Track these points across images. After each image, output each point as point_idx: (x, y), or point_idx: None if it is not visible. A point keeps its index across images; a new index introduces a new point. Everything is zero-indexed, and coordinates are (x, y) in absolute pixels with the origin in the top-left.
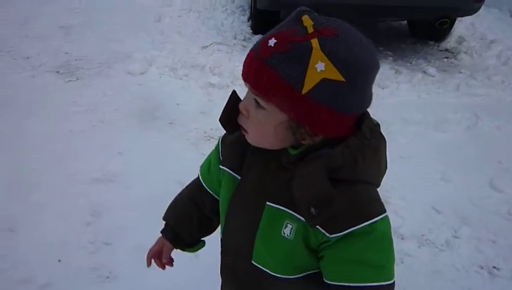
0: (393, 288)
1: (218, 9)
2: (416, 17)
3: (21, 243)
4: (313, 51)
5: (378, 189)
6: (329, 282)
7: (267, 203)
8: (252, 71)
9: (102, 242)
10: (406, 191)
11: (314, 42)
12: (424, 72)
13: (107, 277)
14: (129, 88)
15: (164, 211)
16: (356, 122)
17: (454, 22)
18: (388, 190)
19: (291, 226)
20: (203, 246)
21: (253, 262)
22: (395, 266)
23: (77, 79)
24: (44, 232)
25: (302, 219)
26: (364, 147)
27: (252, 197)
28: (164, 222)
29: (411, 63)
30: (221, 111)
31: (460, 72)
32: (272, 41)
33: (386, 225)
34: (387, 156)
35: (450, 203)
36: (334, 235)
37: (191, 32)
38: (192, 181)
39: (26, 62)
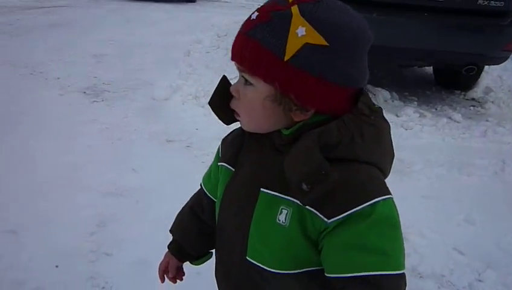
0: (404, 281)
1: None
2: (443, 62)
3: (21, 246)
4: (293, 16)
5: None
6: (330, 276)
7: (262, 189)
8: (237, 47)
9: (103, 252)
10: (427, 229)
11: (294, 9)
12: (450, 117)
13: (103, 287)
14: (151, 112)
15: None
16: (352, 99)
17: (481, 71)
18: (408, 226)
19: (286, 211)
20: (210, 257)
21: (247, 258)
22: None
23: (102, 100)
24: (46, 237)
25: (297, 201)
26: (362, 123)
27: (245, 186)
28: (171, 235)
29: (436, 109)
30: (211, 95)
31: (487, 120)
32: (254, 15)
33: (391, 208)
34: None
35: (474, 246)
36: (332, 219)
37: (218, 66)
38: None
39: (56, 82)
